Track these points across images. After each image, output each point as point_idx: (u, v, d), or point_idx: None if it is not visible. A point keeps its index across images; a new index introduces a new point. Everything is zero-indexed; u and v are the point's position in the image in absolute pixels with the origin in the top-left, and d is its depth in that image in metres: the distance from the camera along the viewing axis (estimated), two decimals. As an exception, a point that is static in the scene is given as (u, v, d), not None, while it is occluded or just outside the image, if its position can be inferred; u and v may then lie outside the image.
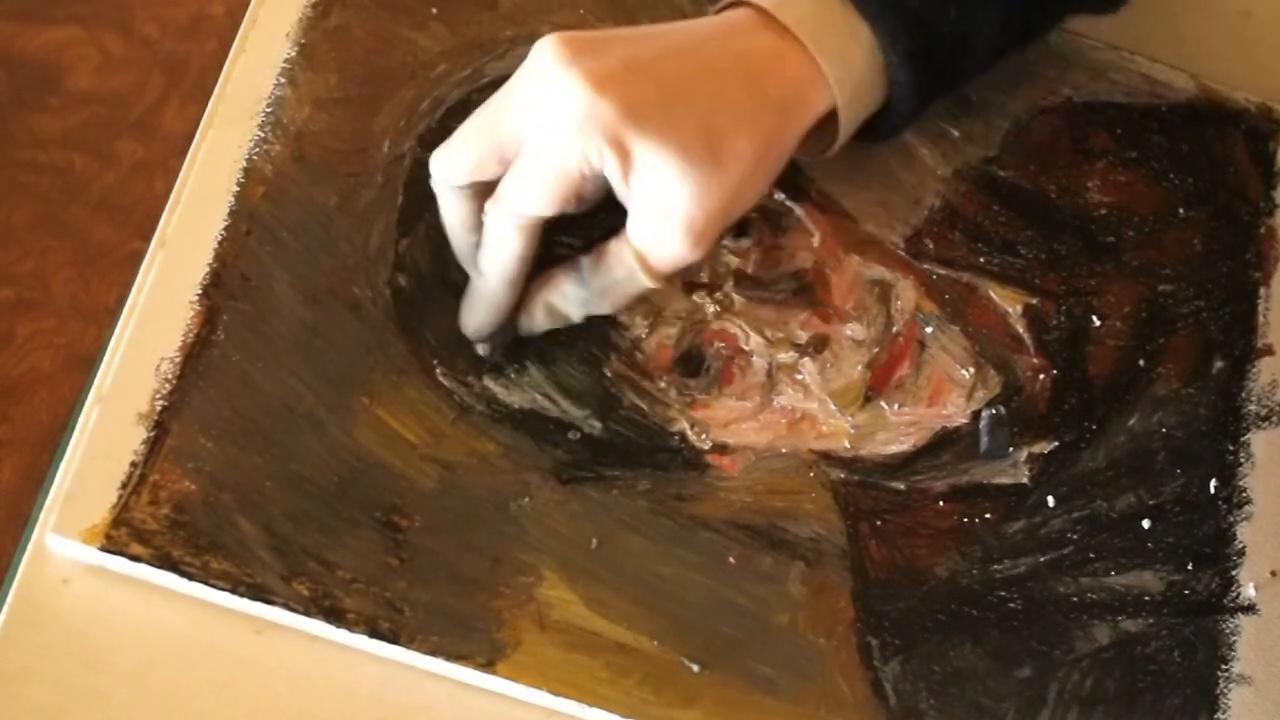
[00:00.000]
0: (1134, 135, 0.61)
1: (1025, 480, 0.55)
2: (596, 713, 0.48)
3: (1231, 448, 0.57)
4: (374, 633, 0.47)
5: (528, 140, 0.45)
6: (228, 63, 0.54)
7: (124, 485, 0.47)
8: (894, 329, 0.56)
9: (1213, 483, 0.56)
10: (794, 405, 0.54)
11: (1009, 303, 0.57)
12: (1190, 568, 0.55)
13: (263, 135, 0.52)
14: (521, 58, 0.45)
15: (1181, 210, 0.61)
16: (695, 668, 0.49)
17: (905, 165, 0.58)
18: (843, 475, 0.53)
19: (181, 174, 0.52)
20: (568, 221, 0.49)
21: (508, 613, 0.48)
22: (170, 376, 0.48)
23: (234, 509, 0.47)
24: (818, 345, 0.55)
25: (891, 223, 0.57)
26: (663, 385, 0.53)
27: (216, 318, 0.50)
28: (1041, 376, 0.57)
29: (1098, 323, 0.58)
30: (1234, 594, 0.55)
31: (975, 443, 0.55)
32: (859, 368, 0.55)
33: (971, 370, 0.56)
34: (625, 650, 0.49)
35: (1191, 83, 0.63)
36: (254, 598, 0.46)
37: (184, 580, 0.46)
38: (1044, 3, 0.55)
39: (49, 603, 0.46)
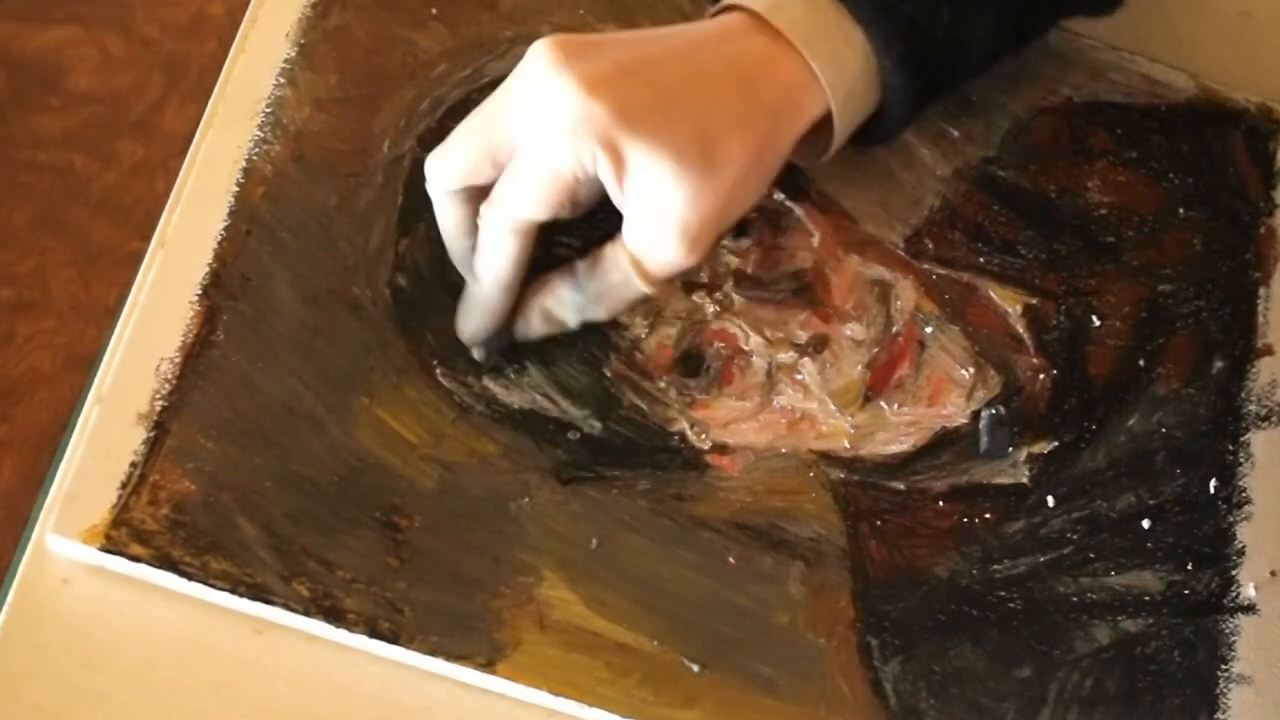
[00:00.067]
0: (1134, 135, 0.61)
1: (1025, 480, 0.55)
2: (596, 713, 0.48)
3: (1231, 448, 0.57)
4: (374, 633, 0.47)
5: (521, 143, 0.45)
6: (228, 63, 0.54)
7: (124, 485, 0.47)
8: (894, 329, 0.56)
9: (1213, 483, 0.56)
10: (794, 405, 0.54)
11: (1009, 303, 0.57)
12: (1190, 568, 0.55)
13: (263, 135, 0.52)
14: (521, 58, 0.45)
15: (1181, 210, 0.61)
16: (695, 668, 0.49)
17: (905, 165, 0.58)
18: (843, 475, 0.53)
19: (181, 174, 0.52)
20: (565, 223, 0.49)
21: (508, 613, 0.48)
22: (170, 376, 0.48)
23: (234, 509, 0.47)
24: (818, 345, 0.55)
25: (891, 223, 0.57)
26: (662, 385, 0.53)
27: (216, 318, 0.50)
28: (1041, 376, 0.57)
29: (1098, 323, 0.58)
30: (1234, 594, 0.55)
31: (975, 443, 0.55)
32: (859, 368, 0.55)
33: (971, 370, 0.56)
34: (625, 650, 0.49)
35: (1191, 83, 0.63)
36: (254, 598, 0.46)
37: (184, 580, 0.46)
38: (1038, 6, 0.55)
39: (49, 603, 0.46)
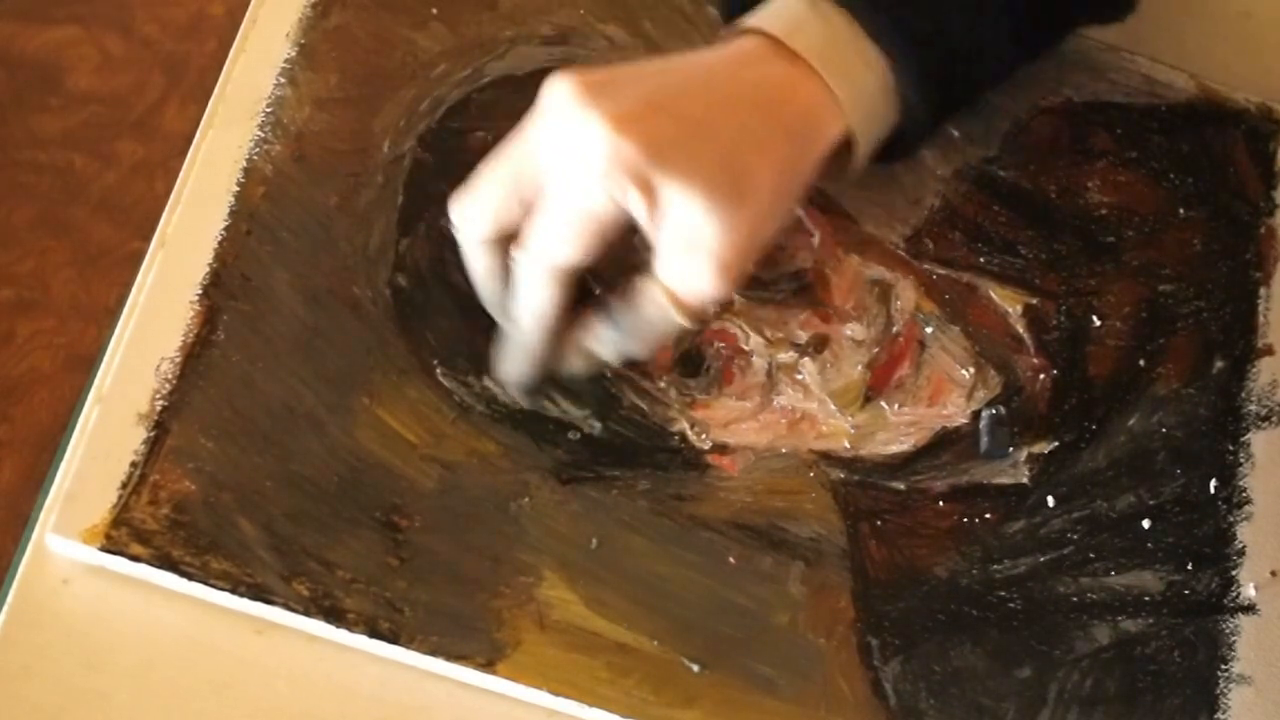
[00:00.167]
0: (1134, 135, 0.61)
1: (1025, 480, 0.55)
2: (596, 713, 0.48)
3: (1231, 448, 0.57)
4: (374, 633, 0.47)
5: (551, 186, 0.44)
6: (228, 63, 0.54)
7: (124, 485, 0.47)
8: (894, 329, 0.56)
9: (1213, 483, 0.56)
10: (794, 405, 0.54)
11: (1009, 303, 0.57)
12: (1190, 568, 0.55)
13: (263, 135, 0.52)
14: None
15: (1181, 210, 0.61)
16: (695, 668, 0.49)
17: (905, 165, 0.58)
18: (843, 475, 0.53)
19: (181, 174, 0.52)
20: None
21: (508, 613, 0.48)
22: (170, 376, 0.48)
23: (234, 509, 0.47)
24: (818, 345, 0.55)
25: (891, 223, 0.57)
26: (662, 385, 0.53)
27: (216, 318, 0.50)
28: (1041, 376, 0.57)
29: (1098, 323, 0.58)
30: (1234, 594, 0.55)
31: (975, 443, 0.55)
32: (859, 368, 0.55)
33: (971, 370, 0.56)
34: (625, 650, 0.49)
35: (1191, 83, 0.63)
36: (254, 598, 0.46)
37: (184, 580, 0.46)
38: (1052, 17, 0.55)
39: (49, 603, 0.46)
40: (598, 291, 0.49)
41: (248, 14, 0.54)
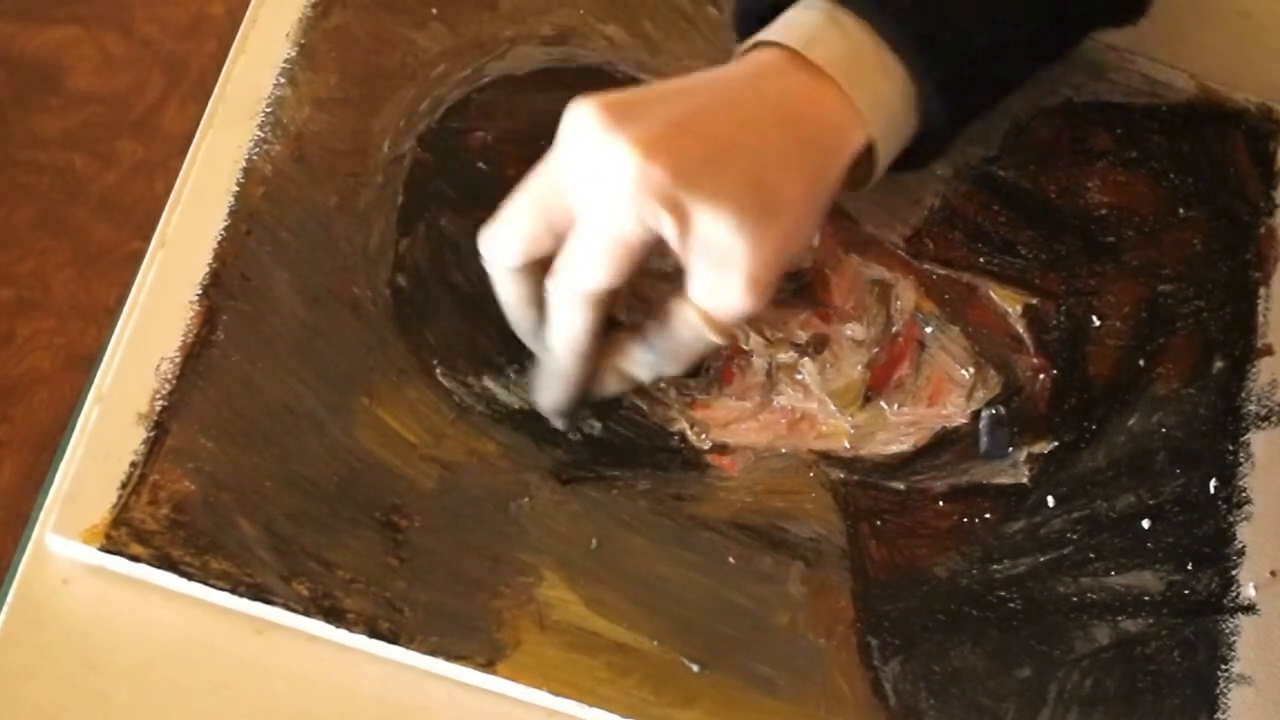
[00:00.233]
0: (1134, 135, 0.61)
1: (1025, 480, 0.55)
2: (596, 713, 0.48)
3: (1231, 448, 0.57)
4: (374, 633, 0.47)
5: (582, 213, 0.44)
6: (228, 63, 0.54)
7: (124, 485, 0.47)
8: (894, 329, 0.56)
9: (1213, 483, 0.56)
10: (794, 405, 0.54)
11: (1009, 303, 0.57)
12: (1190, 568, 0.55)
13: (263, 135, 0.52)
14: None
15: (1181, 210, 0.61)
16: (695, 668, 0.49)
17: (905, 165, 0.58)
18: (843, 475, 0.53)
19: (181, 174, 0.52)
20: None
21: (508, 613, 0.48)
22: (170, 376, 0.48)
23: (234, 509, 0.47)
24: (817, 345, 0.55)
25: (891, 223, 0.57)
26: (662, 385, 0.53)
27: (216, 318, 0.50)
28: (1041, 376, 0.57)
29: (1098, 323, 0.58)
30: (1234, 594, 0.55)
31: (975, 443, 0.55)
32: (859, 368, 0.55)
33: (971, 370, 0.56)
34: (625, 650, 0.49)
35: (1191, 83, 0.63)
36: (254, 598, 0.46)
37: (184, 580, 0.46)
38: (1069, 22, 0.55)
39: (49, 603, 0.46)
40: (623, 319, 0.49)
41: (248, 14, 0.55)
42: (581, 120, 0.43)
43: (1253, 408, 0.58)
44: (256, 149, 0.52)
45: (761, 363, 0.54)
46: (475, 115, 0.55)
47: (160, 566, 0.46)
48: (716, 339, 0.46)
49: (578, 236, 0.44)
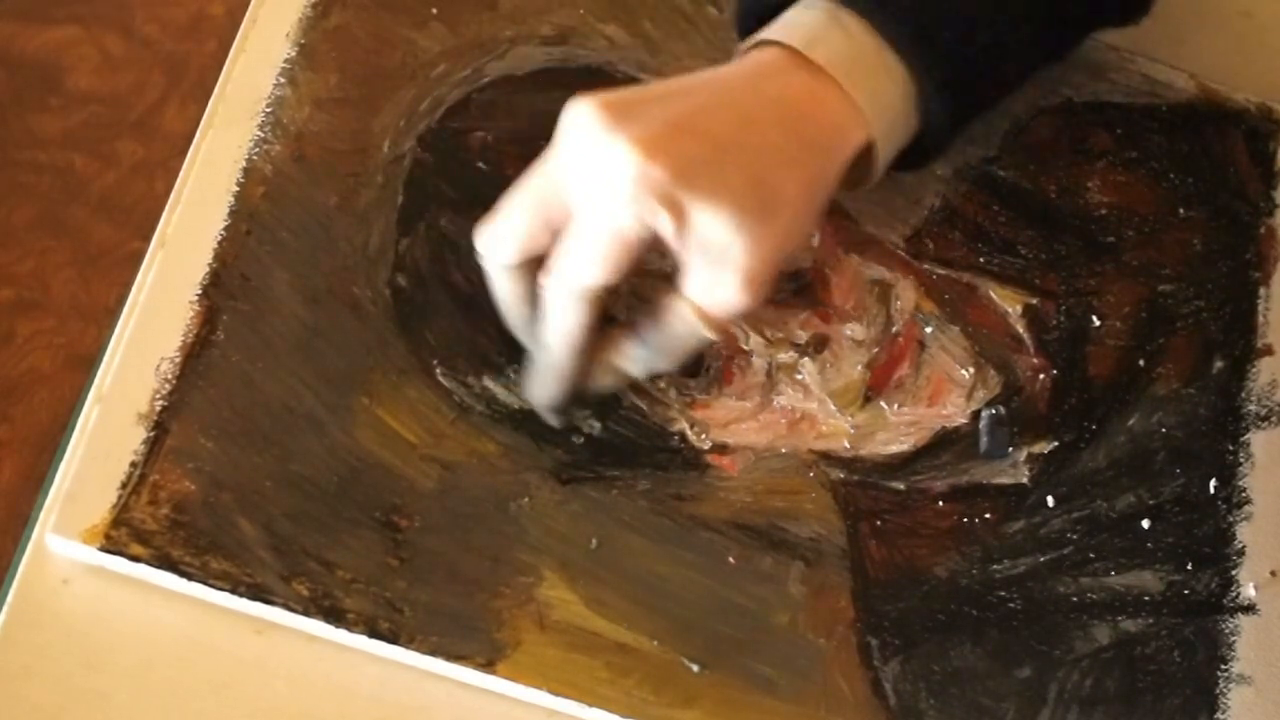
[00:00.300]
0: (1134, 135, 0.61)
1: (1025, 480, 0.55)
2: (596, 713, 0.48)
3: (1231, 448, 0.57)
4: (374, 633, 0.47)
5: (580, 211, 0.44)
6: (228, 63, 0.54)
7: (124, 485, 0.47)
8: (894, 329, 0.56)
9: (1212, 483, 0.56)
10: (794, 405, 0.54)
11: (1009, 303, 0.57)
12: (1190, 568, 0.55)
13: (263, 135, 0.52)
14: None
15: (1181, 210, 0.61)
16: (695, 668, 0.49)
17: (905, 165, 0.58)
18: (843, 475, 0.53)
19: (181, 174, 0.52)
20: None
21: (508, 613, 0.48)
22: (170, 376, 0.48)
23: (234, 509, 0.47)
24: (817, 345, 0.55)
25: (891, 223, 0.57)
26: (662, 385, 0.53)
27: (216, 318, 0.50)
28: (1041, 376, 0.57)
29: (1098, 323, 0.58)
30: (1234, 594, 0.55)
31: (975, 443, 0.55)
32: (859, 368, 0.55)
33: (971, 370, 0.56)
34: (625, 650, 0.49)
35: (1191, 83, 0.63)
36: (254, 598, 0.46)
37: (184, 580, 0.46)
38: (1070, 22, 0.55)
39: (49, 603, 0.46)
40: (621, 318, 0.49)
41: (248, 14, 0.55)
42: (581, 119, 0.43)
43: (1253, 408, 0.58)
44: (256, 149, 0.52)
45: (761, 363, 0.54)
46: (475, 115, 0.55)
47: (160, 566, 0.46)
48: (711, 335, 0.46)
49: (575, 234, 0.45)
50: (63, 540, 0.46)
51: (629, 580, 0.50)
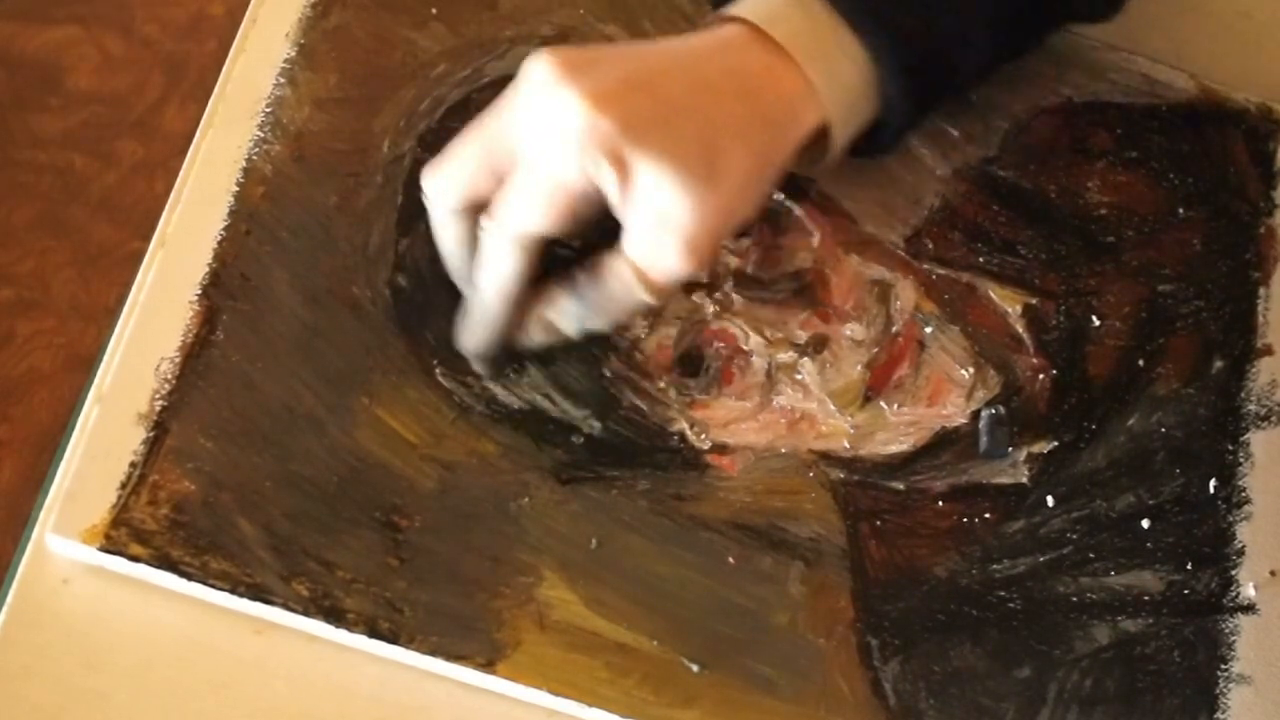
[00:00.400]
0: (1134, 135, 0.61)
1: (1025, 480, 0.55)
2: (596, 713, 0.48)
3: (1231, 448, 0.57)
4: (374, 633, 0.47)
5: (525, 157, 0.45)
6: (228, 63, 0.54)
7: (124, 485, 0.47)
8: (894, 329, 0.56)
9: (1212, 483, 0.56)
10: (793, 405, 0.54)
11: (1009, 303, 0.57)
12: (1190, 568, 0.55)
13: (263, 135, 0.52)
14: (520, 57, 0.45)
15: (1181, 210, 0.61)
16: (695, 668, 0.49)
17: (905, 165, 0.58)
18: (842, 475, 0.53)
19: (181, 174, 0.52)
20: None
21: (508, 613, 0.48)
22: (170, 376, 0.48)
23: (234, 509, 0.47)
24: (817, 345, 0.55)
25: (891, 223, 0.57)
26: (662, 385, 0.53)
27: (216, 318, 0.50)
28: (1041, 376, 0.57)
29: (1097, 323, 0.58)
30: (1234, 594, 0.55)
31: (975, 443, 0.55)
32: (858, 368, 0.55)
33: (971, 370, 0.56)
34: (625, 650, 0.49)
35: (1191, 83, 0.63)
36: (254, 598, 0.46)
37: (183, 580, 0.46)
38: (1036, 15, 0.55)
39: (49, 603, 0.46)
40: (563, 255, 0.49)
41: (248, 14, 0.55)
42: (537, 70, 0.44)
43: (1252, 408, 0.58)
44: (256, 149, 0.52)
45: (761, 363, 0.54)
46: (475, 115, 0.55)
47: (160, 566, 0.46)
48: (647, 298, 0.47)
49: (518, 179, 0.45)
50: (63, 540, 0.46)
51: (629, 580, 0.50)
